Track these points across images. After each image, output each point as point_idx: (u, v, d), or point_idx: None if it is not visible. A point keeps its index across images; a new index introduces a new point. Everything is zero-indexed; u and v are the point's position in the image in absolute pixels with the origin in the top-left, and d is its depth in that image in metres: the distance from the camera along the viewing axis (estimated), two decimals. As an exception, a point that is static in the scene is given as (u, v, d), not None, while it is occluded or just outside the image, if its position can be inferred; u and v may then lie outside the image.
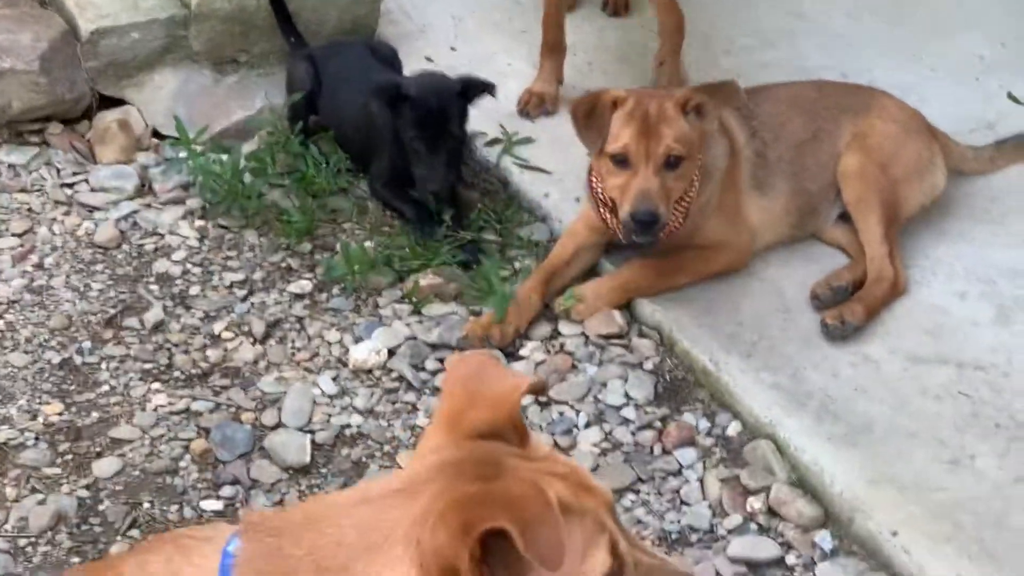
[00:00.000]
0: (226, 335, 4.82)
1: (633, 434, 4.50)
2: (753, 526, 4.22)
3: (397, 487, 2.29)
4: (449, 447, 2.34)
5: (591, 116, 4.66)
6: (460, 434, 2.35)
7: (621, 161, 4.65)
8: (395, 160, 5.22)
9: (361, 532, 2.23)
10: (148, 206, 5.39)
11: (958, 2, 6.63)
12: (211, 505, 4.22)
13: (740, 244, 4.93)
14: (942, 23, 6.48)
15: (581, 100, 4.78)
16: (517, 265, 5.06)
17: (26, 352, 4.71)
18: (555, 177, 5.38)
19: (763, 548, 4.15)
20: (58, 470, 4.31)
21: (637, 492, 4.32)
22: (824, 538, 4.16)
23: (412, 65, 5.96)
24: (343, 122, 5.47)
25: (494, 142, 5.43)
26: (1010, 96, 5.91)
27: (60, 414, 4.50)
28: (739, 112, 5.01)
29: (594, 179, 4.81)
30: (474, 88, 5.20)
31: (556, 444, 4.44)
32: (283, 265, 5.11)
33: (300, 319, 4.89)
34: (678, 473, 4.38)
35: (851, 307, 4.72)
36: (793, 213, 5.04)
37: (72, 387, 4.60)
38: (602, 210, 4.79)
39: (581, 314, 4.81)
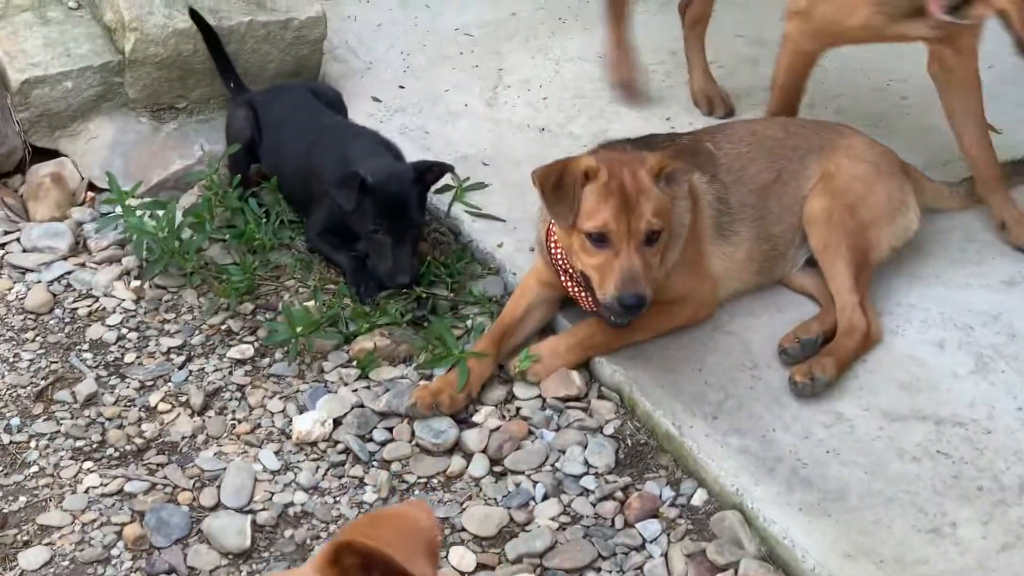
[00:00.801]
0: (163, 407, 4.58)
1: (593, 505, 4.25)
2: (722, 606, 3.97)
3: None
4: None
5: (560, 188, 4.34)
6: None
7: (599, 239, 4.35)
8: (333, 210, 4.95)
9: None
10: (82, 265, 5.16)
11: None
12: (145, 600, 3.96)
13: (703, 296, 4.69)
14: (911, 46, 6.21)
15: (548, 170, 4.40)
16: (469, 323, 4.80)
17: (-50, 431, 4.46)
18: (509, 225, 5.14)
19: (732, 632, 3.90)
20: (-19, 563, 4.05)
21: (598, 570, 4.08)
22: (798, 619, 3.90)
23: (359, 106, 5.75)
24: (285, 169, 5.23)
25: (444, 189, 5.17)
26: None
27: (-15, 500, 4.24)
28: (696, 156, 4.75)
29: (551, 239, 4.53)
30: (431, 172, 4.94)
31: (511, 519, 4.18)
32: (223, 328, 4.87)
33: (241, 387, 4.65)
34: (641, 547, 4.14)
35: (821, 362, 4.47)
36: (757, 260, 4.79)
37: (-1, 469, 4.34)
38: (562, 276, 4.53)
39: (537, 375, 4.57)
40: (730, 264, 4.75)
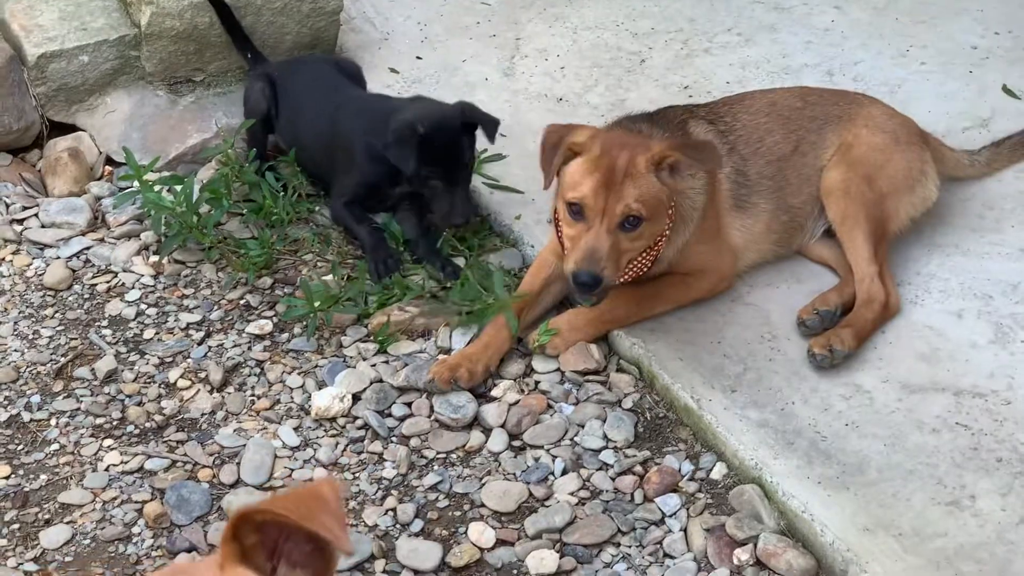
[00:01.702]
0: (182, 383, 4.59)
1: (613, 480, 4.26)
2: (741, 580, 3.98)
3: None
4: None
5: (554, 150, 4.34)
6: None
7: (577, 212, 4.34)
8: (364, 179, 4.95)
9: None
10: (101, 241, 5.15)
11: (947, -14, 6.33)
12: (166, 577, 3.97)
13: (723, 268, 4.68)
14: (930, 10, 6.21)
15: (555, 128, 4.44)
16: (490, 297, 4.77)
17: (-30, 409, 4.48)
18: (527, 197, 5.13)
19: (752, 606, 3.91)
20: (4, 541, 4.09)
21: (618, 545, 4.09)
22: (817, 592, 3.91)
23: (376, 78, 5.74)
24: (306, 142, 5.21)
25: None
26: (1005, 89, 5.64)
27: (7, 478, 4.28)
28: (715, 127, 4.72)
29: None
30: (476, 117, 4.94)
31: (531, 494, 4.19)
32: (242, 303, 4.87)
33: (260, 363, 4.65)
34: (660, 522, 4.14)
35: (839, 333, 4.46)
36: (776, 231, 4.77)
37: (20, 447, 4.38)
38: (562, 245, 4.52)
39: (557, 348, 4.56)
40: (749, 236, 4.74)
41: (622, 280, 4.46)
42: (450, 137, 4.84)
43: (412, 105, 5.02)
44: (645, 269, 4.49)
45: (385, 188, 4.97)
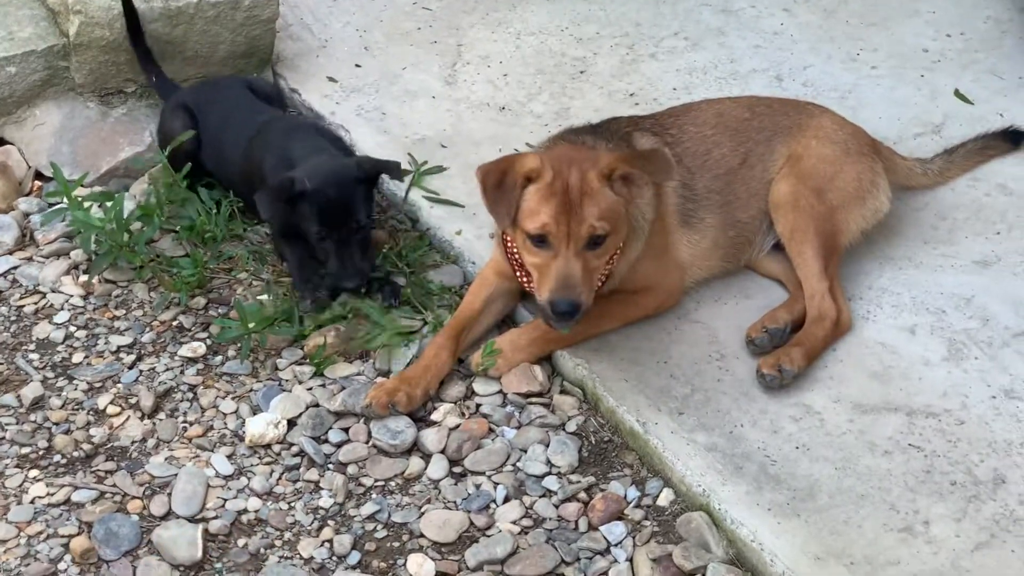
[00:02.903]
0: (112, 410, 4.46)
1: (556, 507, 4.16)
2: (689, 613, 3.87)
3: None
4: None
5: (500, 188, 4.19)
6: None
7: (540, 240, 4.21)
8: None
9: None
10: (29, 259, 5.02)
11: (898, -12, 6.25)
12: (92, 617, 3.87)
13: (670, 284, 4.58)
14: (881, 12, 6.13)
15: (491, 167, 4.26)
16: (427, 316, 4.65)
17: None
18: (468, 211, 5.02)
19: (699, 641, 3.81)
20: (-78, 580, 3.94)
21: (562, 576, 3.95)
22: (767, 625, 3.81)
23: (314, 87, 5.64)
24: (228, 170, 5.06)
25: (403, 173, 5.00)
26: (957, 94, 5.57)
27: (-73, 512, 4.12)
28: (660, 139, 4.61)
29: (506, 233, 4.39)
30: (377, 170, 4.76)
31: (472, 523, 4.08)
32: (174, 324, 4.74)
33: (193, 387, 4.53)
34: (606, 552, 4.04)
35: (789, 352, 4.36)
36: (723, 246, 4.67)
37: (-59, 479, 4.22)
38: (516, 268, 4.39)
39: (500, 370, 4.45)
40: (696, 251, 4.64)
41: None
42: (341, 194, 4.63)
43: (308, 153, 4.83)
44: (599, 285, 4.36)
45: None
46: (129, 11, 5.30)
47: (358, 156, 4.90)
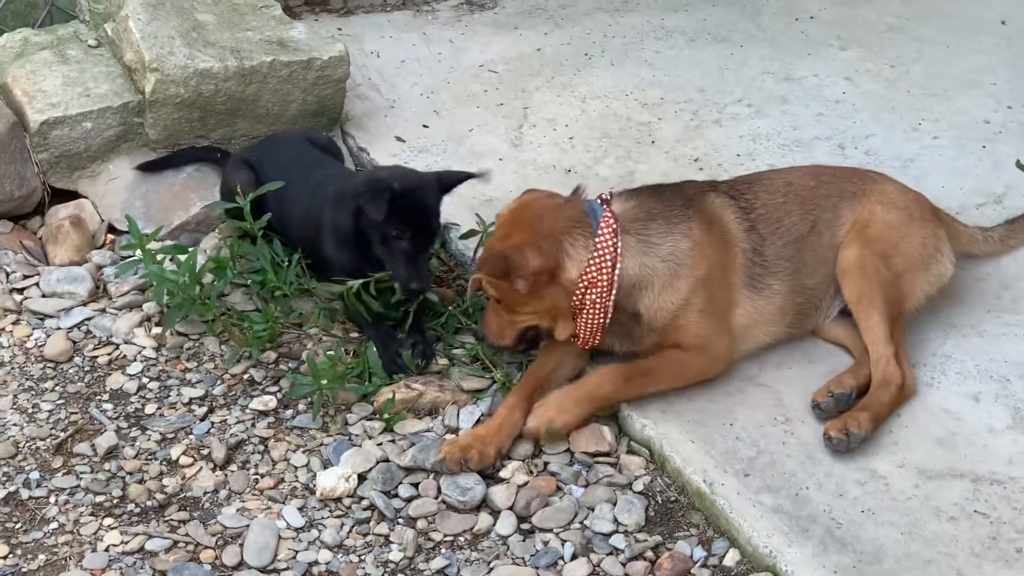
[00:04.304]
0: (184, 460, 4.52)
1: (623, 565, 4.20)
2: None
3: None
4: None
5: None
6: None
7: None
8: (340, 263, 4.91)
9: None
10: (103, 311, 5.10)
11: (959, 57, 6.30)
12: (168, 667, 3.93)
13: (719, 350, 4.62)
14: (942, 83, 6.19)
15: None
16: (496, 374, 4.72)
17: (-32, 487, 4.42)
18: (538, 275, 5.03)
19: None
20: (1, 625, 4.01)
21: (629, 636, 4.00)
22: None
23: (382, 146, 5.73)
24: (290, 221, 5.13)
25: (470, 234, 5.08)
26: (1019, 165, 5.59)
27: (4, 558, 4.21)
28: (737, 204, 4.68)
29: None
30: (456, 180, 4.88)
31: (540, 580, 4.13)
32: (245, 377, 4.81)
33: (264, 440, 4.59)
34: (673, 610, 4.06)
35: (856, 416, 4.41)
36: (791, 312, 4.73)
37: (18, 525, 4.31)
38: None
39: (554, 439, 4.52)
40: (762, 317, 4.68)
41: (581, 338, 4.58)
42: (423, 199, 4.76)
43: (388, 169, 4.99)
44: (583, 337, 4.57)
45: (360, 265, 4.87)
46: None
47: (440, 171, 4.98)
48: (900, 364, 4.57)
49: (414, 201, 4.72)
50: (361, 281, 4.77)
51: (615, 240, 4.46)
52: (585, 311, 4.50)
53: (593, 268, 4.46)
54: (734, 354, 4.67)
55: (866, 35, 6.44)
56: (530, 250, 4.44)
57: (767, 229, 4.70)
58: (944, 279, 4.84)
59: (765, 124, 5.91)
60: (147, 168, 5.51)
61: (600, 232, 4.47)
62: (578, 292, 4.47)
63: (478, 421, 4.59)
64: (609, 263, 4.45)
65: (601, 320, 4.51)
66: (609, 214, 4.51)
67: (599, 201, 4.60)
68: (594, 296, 4.47)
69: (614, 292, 4.48)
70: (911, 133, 5.85)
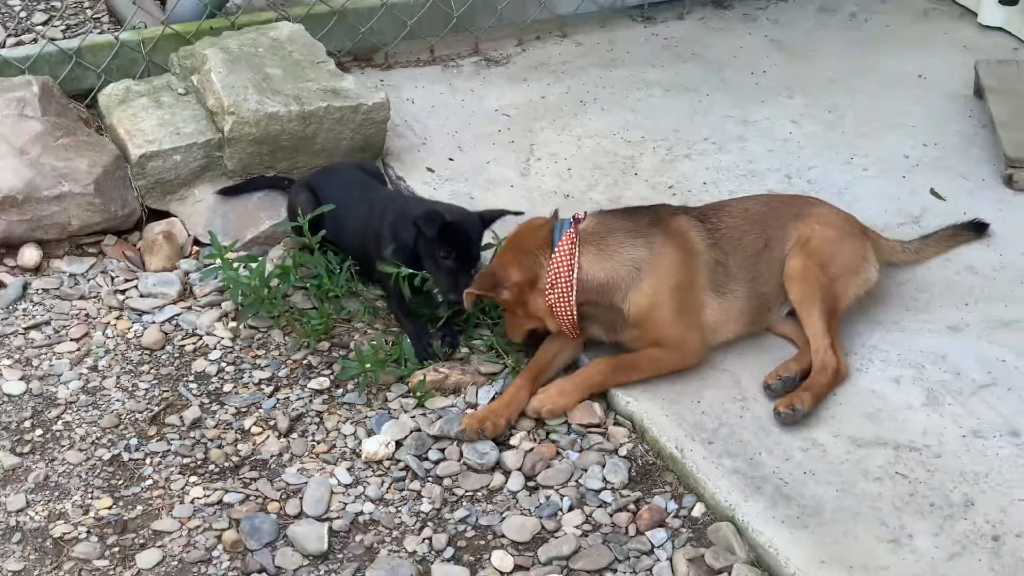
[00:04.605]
0: (255, 429, 4.53)
1: (610, 516, 4.20)
2: (718, 603, 3.90)
3: None
4: None
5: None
6: None
7: None
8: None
9: None
10: (189, 308, 5.10)
11: (885, 106, 6.31)
12: (241, 595, 3.92)
13: (692, 345, 4.60)
14: (871, 125, 6.19)
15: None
16: (507, 360, 4.73)
17: (80, 450, 4.43)
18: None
19: (727, 624, 3.83)
20: (106, 562, 4.02)
21: (615, 571, 4.02)
22: (781, 614, 3.83)
23: (416, 175, 5.73)
24: (346, 236, 5.13)
25: (486, 247, 5.08)
26: (933, 192, 5.62)
27: (109, 508, 4.21)
28: (704, 225, 4.69)
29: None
30: (494, 217, 4.94)
31: (543, 527, 4.13)
32: (304, 363, 4.81)
33: (319, 413, 4.59)
34: (651, 552, 4.08)
35: (800, 395, 4.41)
36: (749, 313, 4.73)
37: (120, 482, 4.32)
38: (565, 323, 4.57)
39: (553, 414, 4.52)
40: (725, 316, 4.68)
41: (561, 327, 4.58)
42: (469, 228, 4.80)
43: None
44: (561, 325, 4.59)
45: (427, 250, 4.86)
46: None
47: (483, 210, 5.01)
48: (836, 353, 4.57)
49: (460, 230, 4.75)
50: (411, 271, 4.78)
51: (572, 250, 4.49)
52: (555, 309, 4.51)
53: (552, 274, 4.50)
54: (706, 350, 4.66)
55: (809, 87, 6.44)
56: (512, 267, 4.55)
57: (730, 246, 4.71)
58: (871, 283, 4.83)
59: (727, 158, 5.90)
60: (225, 192, 5.51)
61: (558, 246, 4.51)
62: (547, 294, 4.48)
63: (493, 398, 4.58)
64: (567, 269, 4.48)
65: (570, 315, 4.52)
66: (573, 231, 4.53)
67: (571, 220, 4.61)
68: (557, 296, 4.49)
69: (574, 292, 4.49)
70: (845, 166, 5.84)
